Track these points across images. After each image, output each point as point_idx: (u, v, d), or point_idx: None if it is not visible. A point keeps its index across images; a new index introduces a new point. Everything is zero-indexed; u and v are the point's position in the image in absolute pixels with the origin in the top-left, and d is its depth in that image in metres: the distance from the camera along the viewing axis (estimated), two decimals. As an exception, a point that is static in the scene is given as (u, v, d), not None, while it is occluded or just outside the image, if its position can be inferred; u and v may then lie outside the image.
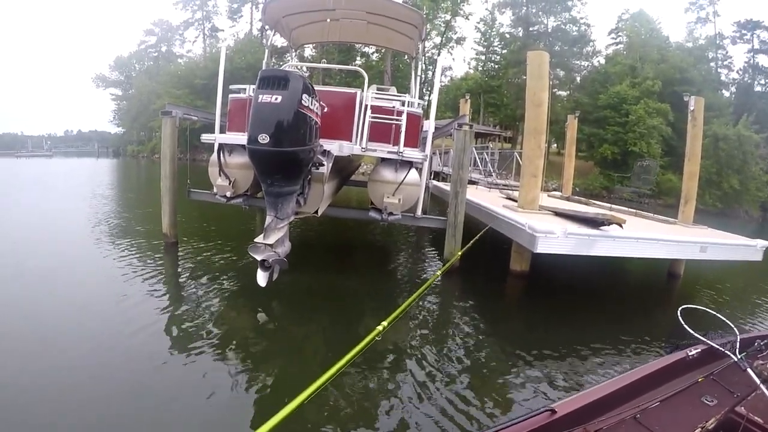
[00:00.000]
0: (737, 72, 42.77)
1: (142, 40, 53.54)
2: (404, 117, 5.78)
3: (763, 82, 41.16)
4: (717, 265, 8.17)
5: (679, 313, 3.35)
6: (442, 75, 45.69)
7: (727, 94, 40.86)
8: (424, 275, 7.21)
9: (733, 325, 3.26)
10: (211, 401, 3.27)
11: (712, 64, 41.87)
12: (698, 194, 9.43)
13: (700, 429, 2.25)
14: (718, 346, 3.03)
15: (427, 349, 4.55)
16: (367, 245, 9.81)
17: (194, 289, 5.68)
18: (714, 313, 3.49)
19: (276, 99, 4.21)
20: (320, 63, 33.36)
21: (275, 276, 4.70)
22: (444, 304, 6.06)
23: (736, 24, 42.08)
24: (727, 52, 42.82)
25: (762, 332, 3.72)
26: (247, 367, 3.83)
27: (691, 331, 3.20)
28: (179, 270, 6.55)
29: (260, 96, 4.26)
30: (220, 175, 5.97)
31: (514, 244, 6.86)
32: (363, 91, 5.95)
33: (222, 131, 6.23)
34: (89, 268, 6.32)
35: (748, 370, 2.66)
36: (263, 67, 7.21)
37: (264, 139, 4.17)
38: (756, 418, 2.30)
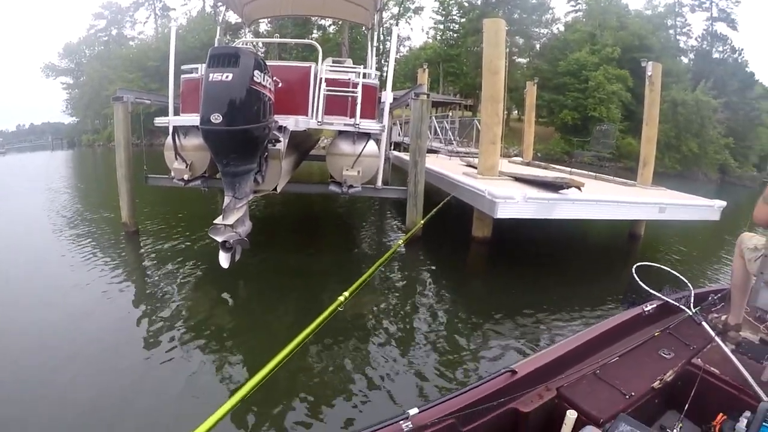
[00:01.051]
0: (696, 39, 43.40)
1: (92, 25, 51.02)
2: (359, 89, 5.72)
3: (721, 49, 41.86)
4: (677, 225, 8.48)
5: (633, 271, 3.39)
6: (400, 45, 45.36)
7: (685, 60, 41.65)
8: (389, 245, 7.26)
9: (687, 281, 3.33)
10: (178, 384, 3.27)
11: (671, 31, 42.43)
12: (658, 157, 9.74)
13: (659, 381, 2.29)
14: (673, 301, 3.08)
15: (391, 317, 4.64)
16: (331, 219, 9.81)
17: (157, 277, 5.58)
18: (668, 269, 3.56)
19: (227, 77, 4.12)
20: (273, 38, 32.71)
21: (237, 257, 4.66)
22: (408, 273, 6.12)
23: (696, -8, 42.69)
24: (685, 20, 43.37)
25: (716, 287, 3.77)
26: (214, 348, 3.82)
27: (647, 288, 3.23)
28: (142, 258, 6.41)
29: (211, 75, 4.15)
30: (176, 158, 5.81)
31: (476, 211, 6.94)
32: (318, 64, 5.86)
33: (176, 113, 6.06)
34: (49, 262, 6.10)
35: (703, 323, 2.73)
36: (215, 45, 7.01)
37: (217, 118, 4.08)
38: (712, 368, 2.38)
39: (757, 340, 2.77)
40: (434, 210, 5.87)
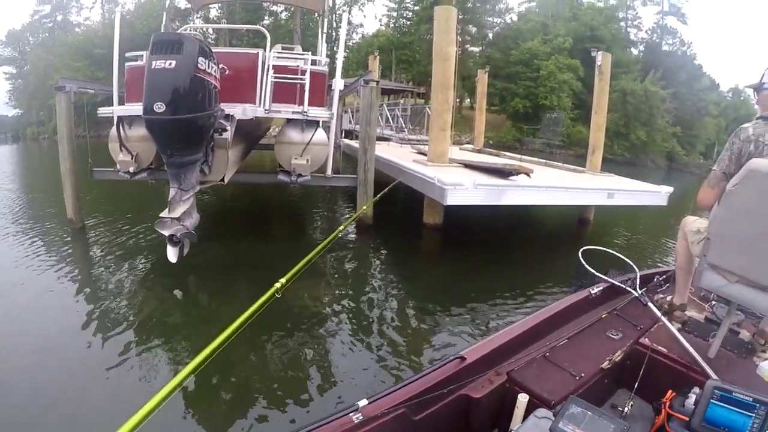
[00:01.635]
0: (646, 32, 44.69)
1: (36, 10, 48.31)
2: (308, 76, 5.69)
3: (670, 42, 43.29)
4: (626, 211, 8.80)
5: (580, 255, 3.40)
6: (353, 32, 44.99)
7: (635, 52, 42.81)
8: (340, 234, 7.21)
9: (632, 264, 3.36)
10: (123, 379, 3.24)
11: (623, 23, 43.55)
12: (607, 145, 10.08)
13: (608, 362, 2.33)
14: (619, 284, 3.11)
15: (341, 305, 4.68)
16: (282, 209, 9.76)
17: (105, 273, 5.42)
18: (614, 253, 3.60)
19: (170, 64, 4.05)
20: (221, 24, 31.94)
21: (186, 250, 4.60)
22: (359, 261, 6.18)
23: (648, -14, 43.87)
24: (636, 13, 44.48)
25: (661, 269, 3.82)
26: (160, 343, 3.76)
27: (593, 271, 3.25)
28: (88, 254, 6.20)
29: (153, 62, 4.08)
30: (121, 150, 5.62)
31: (426, 198, 7.05)
32: (266, 51, 5.79)
33: (121, 103, 5.89)
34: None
35: (649, 304, 2.77)
36: (161, 32, 6.82)
37: (160, 107, 4.02)
38: (659, 347, 2.43)
39: (703, 319, 2.88)
40: (380, 194, 5.89)
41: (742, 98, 41.65)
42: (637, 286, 3.03)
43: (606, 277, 3.22)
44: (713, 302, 3.00)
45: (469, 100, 38.44)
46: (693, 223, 2.74)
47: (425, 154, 8.63)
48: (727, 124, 37.60)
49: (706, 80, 39.03)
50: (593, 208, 8.74)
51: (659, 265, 6.42)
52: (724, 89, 44.53)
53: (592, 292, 3.07)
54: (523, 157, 11.51)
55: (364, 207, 6.36)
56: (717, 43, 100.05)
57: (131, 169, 5.69)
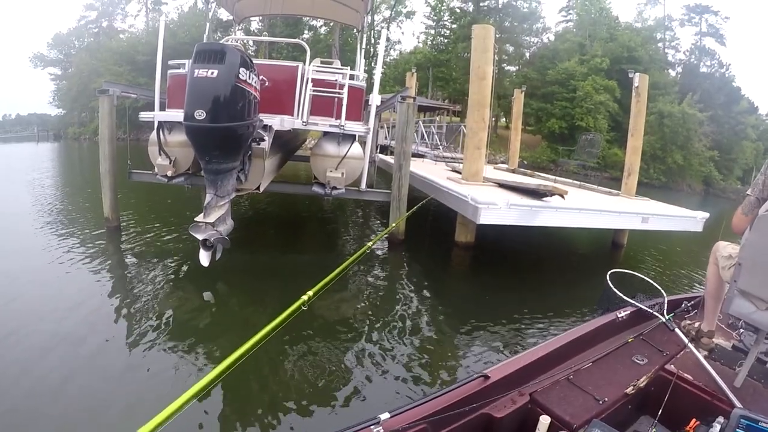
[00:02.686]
0: (684, 53, 44.03)
1: (82, 16, 50.37)
2: (345, 90, 5.73)
3: (708, 63, 42.50)
4: (660, 236, 8.55)
5: (608, 277, 3.38)
6: (391, 49, 45.56)
7: (673, 73, 42.22)
8: (371, 249, 7.23)
9: (660, 288, 3.33)
10: (153, 379, 3.26)
11: (660, 44, 43.03)
12: (643, 168, 9.90)
13: (632, 387, 2.30)
14: (646, 308, 3.09)
15: (369, 319, 4.63)
16: (315, 220, 9.77)
17: (138, 273, 5.52)
18: (642, 276, 3.56)
19: (212, 73, 4.12)
20: (262, 37, 32.65)
21: (218, 255, 4.65)
22: (389, 277, 6.13)
23: (686, 7, 43.11)
24: (674, 34, 44.01)
25: (689, 294, 3.77)
26: (187, 345, 3.77)
27: (620, 294, 3.23)
28: (123, 254, 6.32)
29: (196, 71, 4.16)
30: (160, 154, 5.74)
31: (459, 216, 6.96)
32: (305, 64, 5.86)
33: (162, 108, 6.02)
34: (28, 255, 5.99)
35: (676, 329, 2.74)
36: (204, 41, 6.99)
37: (200, 115, 4.09)
38: (685, 374, 2.39)
39: (730, 346, 2.80)
40: (410, 211, 5.87)
41: (782, 122, 40.46)
42: (665, 311, 3.00)
43: (633, 301, 3.19)
44: (741, 330, 2.92)
45: (504, 119, 38.39)
46: (725, 248, 2.68)
47: (459, 172, 8.57)
48: (766, 148, 36.55)
49: (745, 103, 38.02)
50: (627, 232, 8.54)
51: (688, 290, 6.24)
52: (763, 112, 43.40)
53: (619, 315, 3.05)
54: (558, 178, 11.39)
55: (393, 224, 6.34)
56: (756, 65, 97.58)
57: (169, 173, 5.79)
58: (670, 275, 7.58)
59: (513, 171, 13.35)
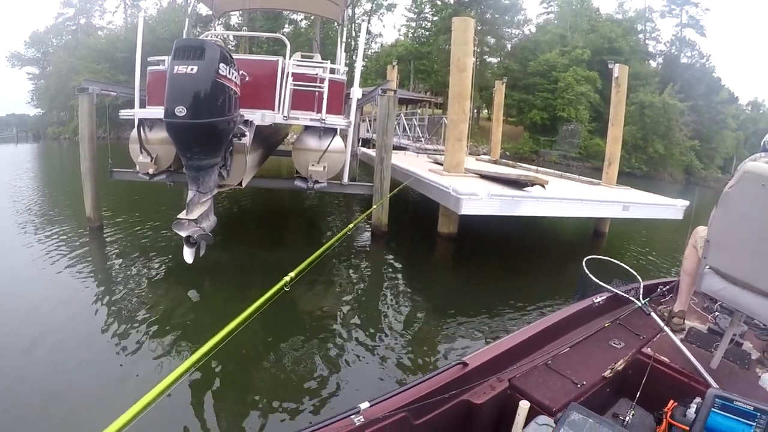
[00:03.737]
0: (664, 44, 44.43)
1: (60, 13, 49.27)
2: (326, 84, 5.74)
3: (689, 54, 42.93)
4: (643, 224, 8.68)
5: (584, 264, 3.46)
6: (372, 41, 45.32)
7: (654, 64, 42.60)
8: (354, 241, 7.34)
9: (636, 273, 3.39)
10: (128, 373, 3.29)
11: (641, 35, 43.41)
12: (624, 158, 10.04)
13: (610, 370, 2.33)
14: (622, 293, 3.14)
15: (351, 309, 4.71)
16: (298, 214, 9.82)
17: (120, 271, 5.51)
18: (617, 262, 3.62)
19: (192, 69, 4.10)
20: (242, 32, 32.45)
21: (202, 252, 4.65)
22: (372, 268, 6.20)
23: (666, -1, 43.69)
24: (655, 25, 44.31)
25: (664, 279, 3.81)
26: (175, 343, 3.79)
27: (596, 280, 3.29)
28: (105, 252, 6.29)
29: (176, 67, 4.13)
30: (141, 151, 5.71)
31: (441, 207, 7.04)
32: (285, 58, 5.86)
33: (142, 106, 5.97)
34: (9, 255, 5.96)
35: (652, 314, 2.82)
36: (183, 37, 6.94)
37: (181, 111, 4.07)
38: (662, 357, 2.44)
39: (706, 329, 2.87)
40: (390, 193, 5.90)
41: (761, 111, 41.17)
42: (641, 296, 3.07)
43: (609, 287, 3.23)
44: (717, 313, 2.99)
45: (486, 110, 38.50)
46: (704, 231, 2.72)
47: (441, 164, 8.65)
48: (746, 137, 37.22)
49: (725, 93, 38.61)
50: (608, 220, 8.69)
51: (667, 275, 6.41)
52: (743, 102, 44.20)
53: (595, 301, 3.07)
54: (540, 168, 11.51)
55: (374, 206, 6.38)
56: (736, 56, 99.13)
57: (150, 171, 5.76)
58: (651, 261, 7.74)
59: (495, 162, 13.46)
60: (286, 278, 2.08)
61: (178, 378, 1.42)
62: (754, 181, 2.03)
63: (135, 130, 5.69)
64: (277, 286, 2.02)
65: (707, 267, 2.34)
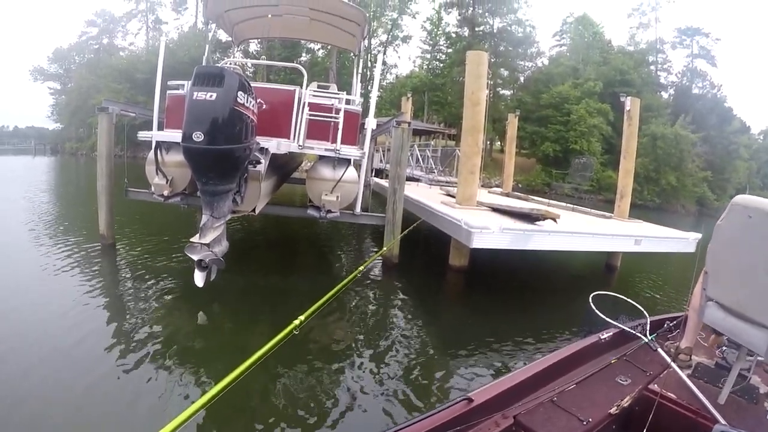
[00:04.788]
0: (676, 75, 45.04)
1: (83, 32, 50.95)
2: (342, 114, 5.82)
3: (700, 84, 43.41)
4: (656, 257, 8.58)
5: (591, 300, 3.43)
6: (387, 72, 46.04)
7: (665, 95, 43.04)
8: (365, 272, 7.24)
9: (642, 309, 3.37)
10: (142, 402, 3.24)
11: (652, 67, 43.96)
12: (637, 190, 10.01)
13: (616, 407, 2.31)
14: (629, 329, 3.13)
15: (361, 342, 4.64)
16: (310, 243, 9.80)
17: (132, 291, 5.52)
18: (624, 298, 3.62)
19: (211, 96, 4.18)
20: (261, 59, 33.08)
21: (213, 276, 4.67)
22: (383, 300, 6.15)
23: (677, 30, 44.29)
24: (666, 56, 45.04)
25: (671, 314, 3.80)
26: (178, 365, 3.76)
27: (603, 316, 3.28)
28: (117, 271, 6.32)
29: (195, 93, 4.22)
30: (157, 173, 5.78)
31: (453, 240, 7.00)
32: (302, 88, 5.96)
33: (160, 128, 6.08)
34: (20, 271, 5.99)
35: (659, 350, 2.80)
36: (203, 63, 7.10)
37: (198, 136, 4.14)
38: (669, 393, 2.41)
39: (713, 364, 2.83)
40: (402, 233, 5.89)
41: (774, 140, 41.09)
42: (647, 332, 3.06)
43: (616, 323, 3.22)
44: (724, 348, 2.93)
45: (499, 142, 38.76)
46: None
47: (454, 196, 8.65)
48: (758, 166, 37.00)
49: (737, 123, 38.73)
50: (620, 254, 8.61)
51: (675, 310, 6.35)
52: (756, 131, 44.22)
53: (602, 337, 3.07)
54: (551, 201, 11.45)
55: (384, 249, 6.40)
56: (747, 85, 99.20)
57: (165, 193, 5.83)
58: (664, 296, 7.61)
59: (507, 195, 13.44)
60: (296, 321, 2.09)
61: (187, 419, 1.42)
62: (741, 212, 2.09)
63: (152, 152, 5.78)
64: (287, 330, 2.04)
65: (707, 298, 2.37)
